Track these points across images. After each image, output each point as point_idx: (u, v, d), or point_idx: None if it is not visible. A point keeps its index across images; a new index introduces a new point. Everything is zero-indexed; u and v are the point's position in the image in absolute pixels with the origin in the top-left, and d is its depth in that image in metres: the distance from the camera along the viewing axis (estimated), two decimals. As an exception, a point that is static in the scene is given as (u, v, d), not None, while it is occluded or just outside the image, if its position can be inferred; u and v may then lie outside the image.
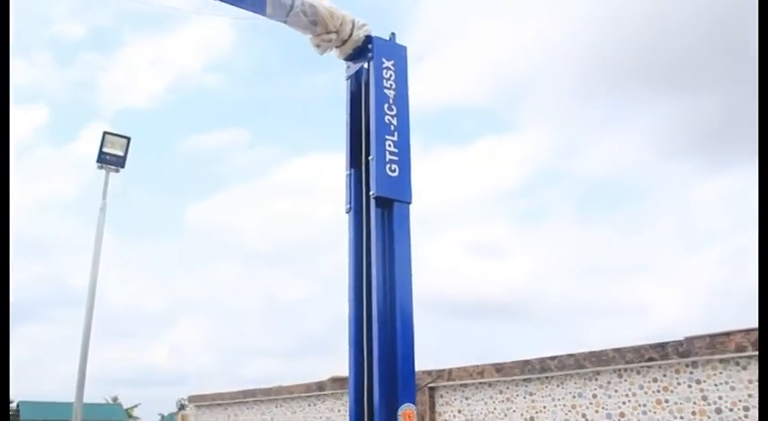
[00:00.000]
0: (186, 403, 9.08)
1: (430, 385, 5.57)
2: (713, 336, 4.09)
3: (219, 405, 8.48)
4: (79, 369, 7.69)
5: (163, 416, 52.49)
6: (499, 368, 5.19)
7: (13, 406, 51.19)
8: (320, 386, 6.81)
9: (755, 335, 3.75)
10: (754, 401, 3.72)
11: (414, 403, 3.41)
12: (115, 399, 53.74)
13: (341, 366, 6.61)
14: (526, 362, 5.05)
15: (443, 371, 5.56)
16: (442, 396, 5.60)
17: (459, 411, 5.43)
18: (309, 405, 6.96)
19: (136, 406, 50.45)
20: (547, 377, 4.88)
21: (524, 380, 5.04)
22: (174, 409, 53.93)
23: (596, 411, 4.53)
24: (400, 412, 3.28)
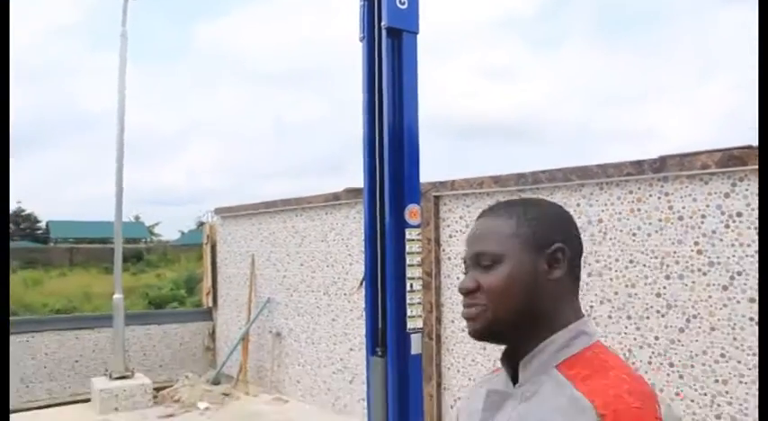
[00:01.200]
0: (206, 220, 9.80)
1: (434, 194, 6.14)
2: (683, 156, 4.57)
3: (244, 216, 9.24)
4: (117, 188, 8.40)
5: (182, 233, 55.05)
6: (497, 180, 5.73)
7: (41, 225, 53.62)
8: (336, 196, 7.46)
9: (719, 156, 4.33)
10: (711, 211, 4.35)
11: (418, 204, 3.99)
12: (137, 218, 56.05)
13: (350, 183, 7.24)
14: (521, 175, 5.52)
15: (447, 181, 6.12)
16: (445, 204, 6.23)
17: (461, 217, 6.08)
18: (326, 213, 7.66)
19: (157, 224, 52.28)
20: (538, 188, 5.40)
21: (518, 190, 5.54)
22: (193, 226, 56.42)
23: (579, 217, 5.13)
24: (407, 210, 3.87)
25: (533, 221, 1.26)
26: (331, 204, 7.51)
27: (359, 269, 7.07)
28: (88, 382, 8.24)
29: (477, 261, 1.26)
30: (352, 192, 7.11)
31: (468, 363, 5.97)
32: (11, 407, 4.84)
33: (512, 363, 1.27)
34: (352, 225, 7.21)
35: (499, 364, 1.31)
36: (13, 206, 53.23)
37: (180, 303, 21.03)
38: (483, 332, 1.25)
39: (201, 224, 57.11)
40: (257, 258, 8.83)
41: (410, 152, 3.95)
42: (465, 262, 1.31)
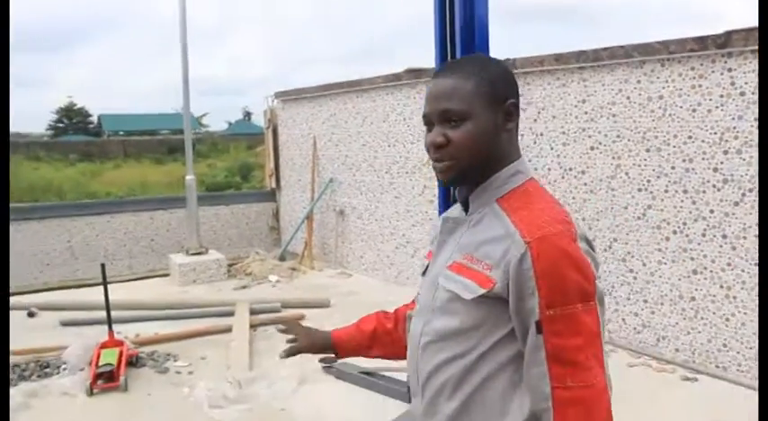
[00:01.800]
0: (266, 105, 9.97)
1: None
2: (749, 31, 4.54)
3: (304, 99, 9.40)
4: (183, 79, 8.58)
5: (230, 123, 55.63)
6: (558, 58, 5.73)
7: (93, 119, 54.66)
8: (397, 77, 7.52)
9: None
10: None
11: None
12: (181, 110, 56.59)
13: (398, 68, 7.32)
14: (581, 52, 5.52)
15: (508, 59, 6.19)
16: None
17: (521, 95, 6.18)
18: (387, 94, 7.78)
19: (204, 115, 52.58)
20: (599, 65, 5.42)
21: (579, 68, 5.58)
22: (240, 116, 56.91)
23: (639, 94, 5.20)
24: None
25: (490, 80, 1.45)
26: (392, 85, 7.64)
27: (420, 148, 7.29)
28: (165, 259, 8.83)
29: (445, 118, 1.43)
30: (414, 73, 7.23)
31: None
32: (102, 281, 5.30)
33: (465, 196, 1.51)
34: (413, 105, 7.37)
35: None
36: (64, 101, 54.10)
37: (236, 190, 21.67)
38: (454, 179, 1.47)
39: (249, 114, 57.46)
40: (319, 140, 9.10)
41: (480, 35, 4.06)
42: (426, 118, 1.49)
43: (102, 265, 5.39)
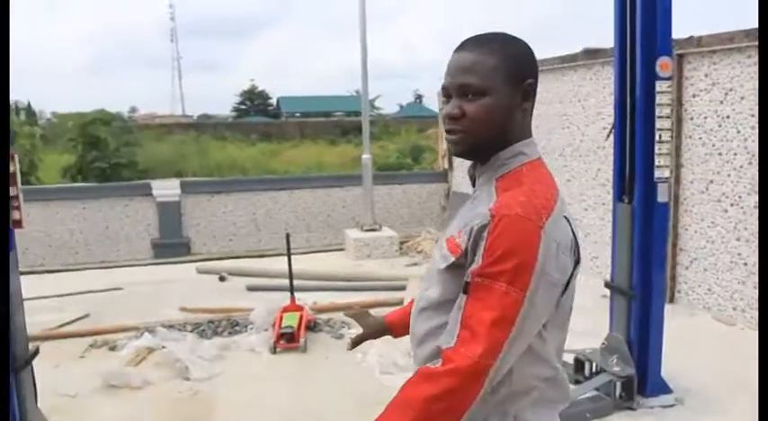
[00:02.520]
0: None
1: (678, 52, 5.91)
2: None
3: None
4: (362, 61, 8.93)
5: (401, 106, 56.61)
6: (748, 34, 5.45)
7: (272, 101, 57.69)
8: (573, 58, 7.35)
9: None
10: None
11: (670, 56, 4.04)
12: (357, 92, 58.32)
13: (563, 50, 7.19)
14: None
15: (692, 38, 5.88)
16: (689, 62, 5.99)
17: (706, 75, 5.84)
18: (562, 75, 7.64)
19: (377, 97, 53.77)
20: None
21: None
22: (411, 99, 57.76)
23: None
24: (658, 62, 3.94)
25: (511, 58, 1.47)
26: (567, 66, 7.54)
27: (595, 130, 7.17)
28: (340, 234, 9.29)
29: (463, 91, 1.45)
30: (591, 53, 7.09)
31: (708, 225, 5.97)
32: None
33: (474, 172, 1.56)
34: (588, 86, 7.24)
35: None
36: (246, 84, 57.37)
37: (407, 170, 22.13)
38: (464, 152, 1.51)
39: (420, 97, 57.95)
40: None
41: (663, 3, 3.97)
42: (445, 90, 1.50)
43: (287, 235, 5.80)
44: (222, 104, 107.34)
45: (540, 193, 1.43)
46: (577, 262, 1.48)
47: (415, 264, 8.20)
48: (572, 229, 1.47)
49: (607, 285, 4.53)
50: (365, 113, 9.17)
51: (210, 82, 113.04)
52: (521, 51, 1.51)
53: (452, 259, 1.44)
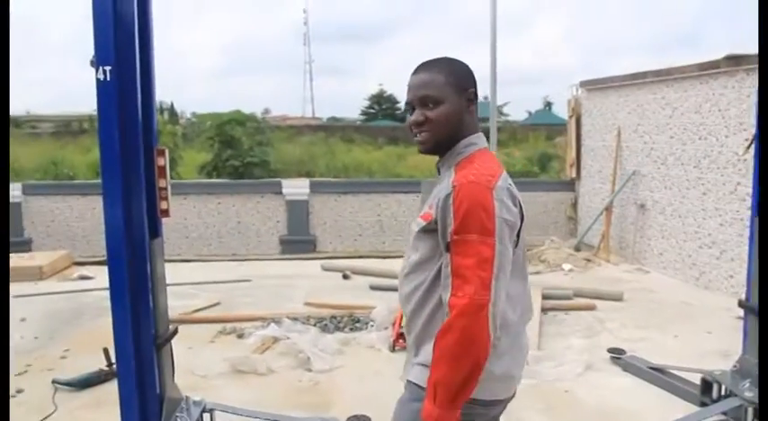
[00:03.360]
0: (570, 94, 9.91)
1: None
2: None
3: (610, 88, 9.20)
4: (491, 66, 8.88)
5: (530, 113, 55.72)
6: None
7: (400, 105, 58.29)
8: (713, 65, 6.95)
9: None
10: None
11: None
12: (486, 98, 57.90)
13: (705, 56, 6.86)
14: None
15: None
16: None
17: None
18: (701, 83, 7.29)
19: (505, 104, 53.17)
20: None
21: None
22: (540, 106, 56.74)
23: None
24: None
25: (455, 74, 1.93)
26: (707, 74, 7.21)
27: (735, 141, 6.83)
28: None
29: (424, 102, 1.91)
30: (733, 60, 6.76)
31: None
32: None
33: (438, 165, 1.99)
34: (730, 95, 6.90)
35: None
36: (375, 88, 58.29)
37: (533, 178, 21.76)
38: (430, 149, 1.96)
39: (549, 104, 56.92)
40: (623, 131, 8.90)
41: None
42: (409, 104, 1.96)
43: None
44: (351, 108, 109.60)
45: (487, 168, 1.86)
46: (522, 218, 1.91)
47: (537, 273, 8.10)
48: (515, 194, 1.89)
49: (741, 305, 4.31)
50: (493, 120, 9.12)
51: (340, 85, 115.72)
52: (462, 68, 1.98)
53: (423, 223, 1.86)
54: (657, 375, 4.72)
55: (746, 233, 6.71)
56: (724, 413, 3.99)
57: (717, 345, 5.51)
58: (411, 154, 33.31)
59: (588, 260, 8.61)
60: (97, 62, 2.75)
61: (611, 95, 9.17)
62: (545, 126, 38.20)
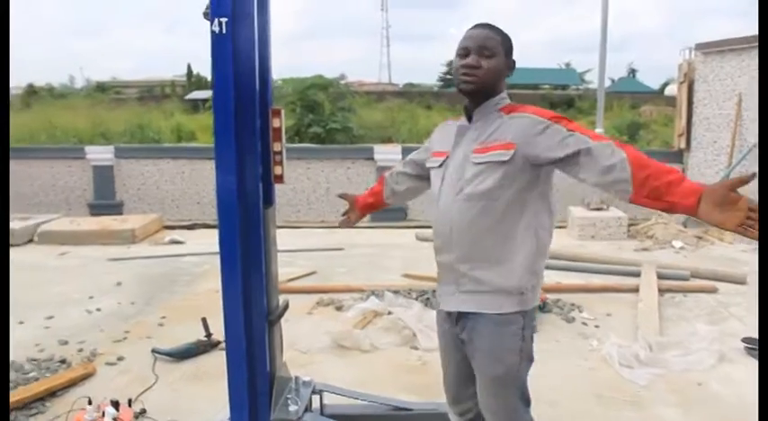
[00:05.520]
0: (681, 57, 9.19)
1: None
2: None
3: (731, 51, 8.50)
4: (601, 30, 8.34)
5: (613, 81, 53.86)
6: None
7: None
8: None
9: None
10: None
11: None
12: (568, 65, 56.34)
13: None
14: None
15: None
16: None
17: None
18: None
19: (588, 70, 51.58)
20: None
21: None
22: (623, 74, 54.75)
23: None
24: None
25: (508, 41, 2.23)
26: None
27: None
28: (563, 211, 8.81)
29: (480, 51, 2.15)
30: None
31: None
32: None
33: (470, 112, 2.26)
34: None
35: None
36: (453, 54, 57.59)
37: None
38: (474, 91, 2.19)
39: (633, 71, 55.01)
40: (745, 98, 8.19)
41: None
42: (466, 49, 2.18)
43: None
44: (428, 74, 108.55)
45: (538, 108, 2.16)
46: None
47: (645, 250, 7.60)
48: None
49: None
50: (601, 86, 8.61)
51: (417, 51, 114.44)
52: (510, 39, 2.25)
53: (510, 153, 2.08)
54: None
55: None
56: None
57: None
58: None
59: (699, 238, 8.03)
60: (212, 13, 2.49)
61: (732, 59, 8.46)
62: (629, 94, 36.81)
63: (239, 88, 2.59)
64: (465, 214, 2.13)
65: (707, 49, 9.02)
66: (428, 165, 2.40)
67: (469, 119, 2.25)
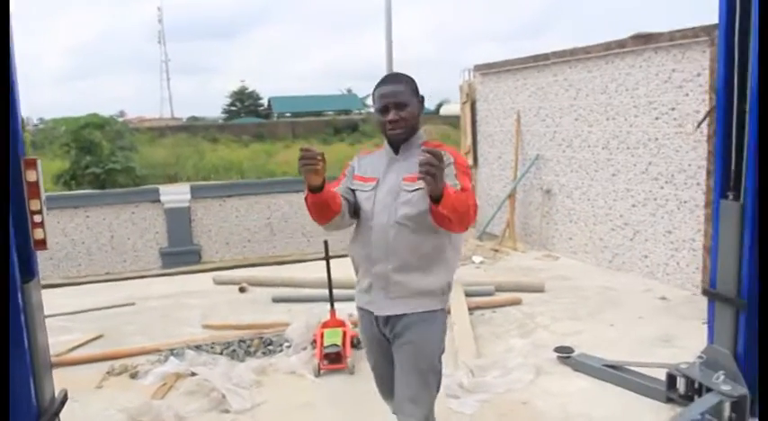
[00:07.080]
0: (462, 79, 9.51)
1: None
2: None
3: (507, 71, 8.91)
4: (386, 54, 8.31)
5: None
6: None
7: (263, 101, 56.96)
8: (620, 44, 6.82)
9: None
10: None
11: None
12: (349, 90, 57.83)
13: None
14: None
15: None
16: None
17: None
18: (607, 63, 7.12)
19: (369, 95, 53.11)
20: None
21: None
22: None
23: None
24: None
25: (413, 85, 2.61)
26: (613, 53, 6.97)
27: (645, 121, 6.63)
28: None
29: (397, 106, 2.52)
30: (642, 38, 6.54)
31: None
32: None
33: (396, 147, 2.61)
34: (638, 74, 6.68)
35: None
36: (236, 85, 56.79)
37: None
38: (402, 138, 2.57)
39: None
40: (523, 115, 8.58)
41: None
42: (385, 107, 2.54)
43: (326, 242, 5.24)
44: (211, 106, 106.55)
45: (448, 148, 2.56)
46: None
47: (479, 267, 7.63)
48: None
49: (706, 293, 3.97)
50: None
51: (199, 84, 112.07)
52: (413, 80, 2.63)
53: (420, 184, 2.32)
54: (616, 373, 4.35)
55: (659, 213, 6.54)
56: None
57: (654, 331, 5.30)
58: (278, 150, 32.48)
59: (496, 250, 8.25)
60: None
61: (508, 79, 8.84)
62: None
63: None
64: (401, 231, 2.50)
65: (485, 69, 9.38)
66: (355, 187, 2.66)
67: (396, 152, 2.62)
